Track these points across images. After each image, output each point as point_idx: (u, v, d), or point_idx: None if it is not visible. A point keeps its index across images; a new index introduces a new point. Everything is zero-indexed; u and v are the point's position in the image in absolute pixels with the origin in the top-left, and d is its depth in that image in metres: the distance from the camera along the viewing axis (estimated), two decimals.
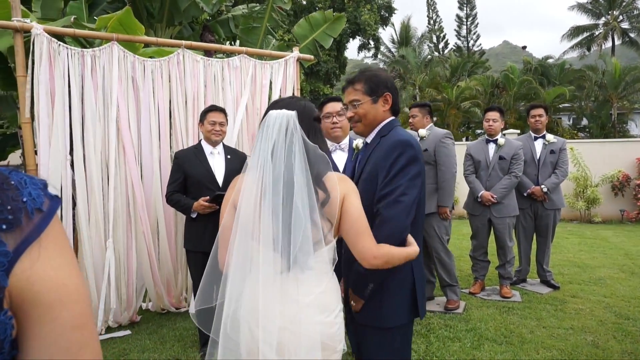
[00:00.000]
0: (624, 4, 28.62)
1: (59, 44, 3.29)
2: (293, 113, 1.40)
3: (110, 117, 3.50)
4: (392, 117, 1.85)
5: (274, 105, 1.48)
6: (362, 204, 1.62)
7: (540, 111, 4.64)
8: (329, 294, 1.45)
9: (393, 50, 30.00)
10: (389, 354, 1.74)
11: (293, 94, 4.35)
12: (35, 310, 0.54)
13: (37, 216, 0.56)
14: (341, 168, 2.87)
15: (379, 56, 28.50)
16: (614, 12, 28.81)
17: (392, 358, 1.75)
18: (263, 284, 1.35)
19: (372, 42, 22.98)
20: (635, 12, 28.59)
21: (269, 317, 1.34)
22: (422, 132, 4.07)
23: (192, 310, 1.51)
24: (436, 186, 3.98)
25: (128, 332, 3.61)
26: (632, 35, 28.53)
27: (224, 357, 1.37)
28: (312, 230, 1.35)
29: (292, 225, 1.33)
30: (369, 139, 1.84)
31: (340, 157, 2.93)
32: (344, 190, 1.44)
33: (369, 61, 32.56)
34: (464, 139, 20.36)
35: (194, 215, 3.15)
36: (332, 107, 2.92)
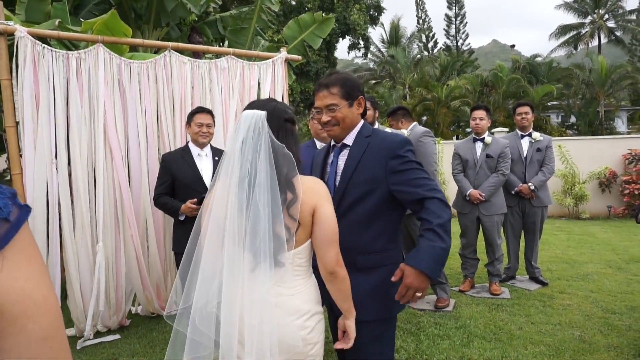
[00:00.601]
0: (609, 3, 29.01)
1: (43, 47, 3.25)
2: (263, 113, 1.43)
3: (97, 120, 3.47)
4: (364, 120, 1.89)
5: (249, 106, 1.51)
6: (371, 202, 1.73)
7: (526, 109, 4.69)
8: (300, 297, 1.46)
9: (383, 50, 30.09)
10: (386, 344, 1.79)
11: (282, 94, 4.35)
12: (0, 322, 0.53)
13: (3, 226, 0.55)
14: None
15: (369, 56, 28.59)
16: (600, 11, 29.19)
17: (389, 347, 1.81)
18: (232, 281, 1.37)
19: (361, 42, 23.05)
20: (620, 10, 28.99)
21: (237, 315, 1.37)
22: (404, 132, 4.08)
23: (166, 313, 1.53)
24: None
25: (117, 336, 3.58)
26: (617, 33, 28.94)
27: (190, 349, 1.38)
28: (277, 230, 1.36)
29: (254, 223, 1.35)
30: (348, 141, 1.84)
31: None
32: (317, 198, 1.46)
33: (359, 61, 32.66)
34: (454, 137, 20.49)
35: (182, 218, 3.14)
36: None
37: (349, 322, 1.56)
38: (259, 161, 1.36)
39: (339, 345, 1.57)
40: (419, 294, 1.58)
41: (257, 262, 1.37)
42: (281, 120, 1.47)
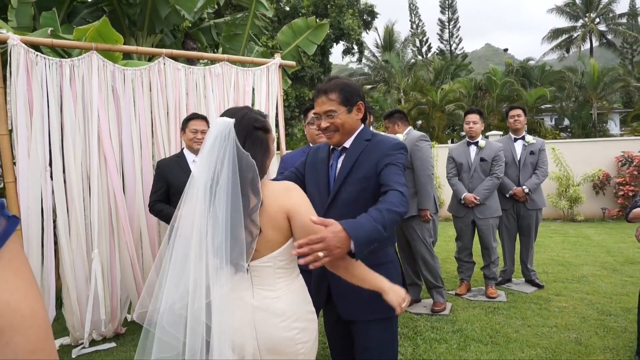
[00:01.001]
0: (600, 6, 29.34)
1: (37, 54, 3.24)
2: (231, 120, 1.44)
3: (91, 127, 3.46)
4: (364, 125, 1.90)
5: (224, 113, 1.53)
6: (366, 199, 1.76)
7: (519, 112, 4.72)
8: (286, 299, 1.48)
9: (377, 54, 30.23)
10: (391, 341, 1.81)
11: (277, 100, 4.36)
12: None
13: None
14: None
15: (363, 61, 28.72)
16: (591, 15, 29.49)
17: (393, 345, 1.83)
18: (198, 283, 1.40)
19: (355, 47, 23.15)
20: (611, 14, 29.32)
21: (203, 317, 1.39)
22: (400, 137, 4.09)
23: (135, 315, 1.56)
24: (415, 189, 4.02)
25: (113, 344, 3.56)
26: (609, 37, 29.24)
27: (158, 349, 1.40)
28: (238, 235, 1.38)
29: (214, 227, 1.38)
30: (347, 144, 1.86)
31: None
32: (290, 203, 1.47)
33: (354, 66, 32.78)
34: (449, 141, 20.60)
35: None
36: None
37: (385, 296, 1.47)
38: (223, 167, 1.39)
39: (398, 312, 1.50)
40: (321, 255, 1.31)
41: (220, 266, 1.39)
42: (250, 128, 1.47)
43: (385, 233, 1.47)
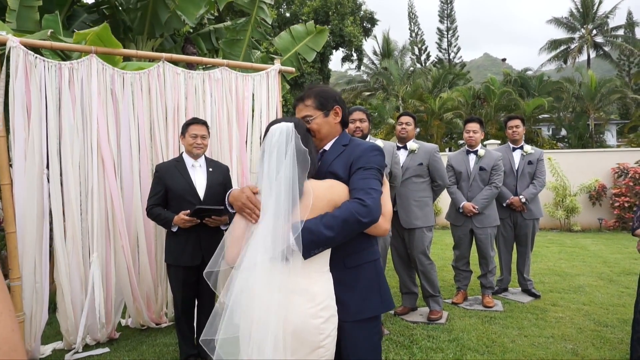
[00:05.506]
0: (597, 18, 29.60)
1: (36, 57, 3.23)
2: (291, 124, 1.68)
3: (89, 130, 3.45)
4: (344, 130, 1.94)
5: (275, 121, 1.74)
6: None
7: (517, 122, 4.74)
8: (316, 287, 1.60)
9: (376, 62, 30.35)
10: (378, 342, 1.85)
11: (276, 106, 4.36)
12: None
13: None
14: None
15: (362, 68, 28.81)
16: (588, 27, 29.73)
17: (379, 345, 1.87)
18: (254, 272, 1.55)
19: (355, 54, 23.25)
20: (605, 27, 29.57)
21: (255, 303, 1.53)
22: (414, 145, 4.10)
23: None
24: (428, 200, 4.02)
25: (106, 349, 3.52)
26: (606, 48, 29.46)
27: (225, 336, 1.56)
28: (286, 226, 1.54)
29: (275, 220, 1.56)
30: (327, 147, 1.89)
31: None
32: (337, 197, 1.67)
33: (353, 73, 32.85)
34: (447, 149, 20.64)
35: (174, 229, 3.11)
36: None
37: None
38: (285, 159, 1.60)
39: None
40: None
41: (274, 254, 1.54)
42: (305, 129, 1.74)
43: (329, 236, 1.57)
